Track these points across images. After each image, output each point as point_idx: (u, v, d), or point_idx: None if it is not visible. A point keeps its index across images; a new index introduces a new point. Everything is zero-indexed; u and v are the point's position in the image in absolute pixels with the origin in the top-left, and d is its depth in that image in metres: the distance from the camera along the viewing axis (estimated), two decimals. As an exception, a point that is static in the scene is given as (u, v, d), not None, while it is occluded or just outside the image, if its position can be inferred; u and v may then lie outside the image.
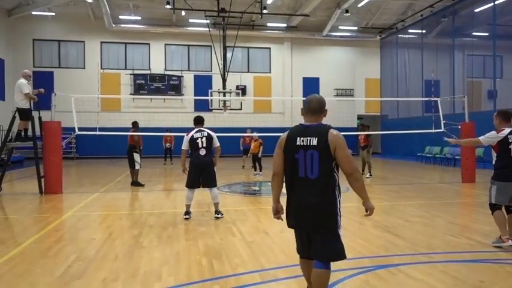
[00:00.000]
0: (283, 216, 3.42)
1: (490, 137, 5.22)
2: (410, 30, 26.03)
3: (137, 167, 11.55)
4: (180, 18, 25.17)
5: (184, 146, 7.33)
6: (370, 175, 13.63)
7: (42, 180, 10.09)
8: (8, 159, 10.76)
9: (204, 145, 7.22)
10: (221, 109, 22.43)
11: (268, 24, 26.37)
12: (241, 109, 23.20)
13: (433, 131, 13.11)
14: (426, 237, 5.95)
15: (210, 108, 23.47)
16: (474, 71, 22.33)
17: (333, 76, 28.15)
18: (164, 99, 25.28)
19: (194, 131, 7.37)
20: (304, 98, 3.60)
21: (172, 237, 6.01)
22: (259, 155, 14.31)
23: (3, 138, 10.79)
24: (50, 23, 24.48)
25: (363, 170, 14.26)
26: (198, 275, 4.36)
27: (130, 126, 12.01)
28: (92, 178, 14.24)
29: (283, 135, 3.39)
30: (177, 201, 9.14)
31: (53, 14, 23.98)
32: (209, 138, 7.30)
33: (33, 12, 23.33)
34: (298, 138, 3.25)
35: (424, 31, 24.84)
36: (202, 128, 7.43)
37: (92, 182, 12.79)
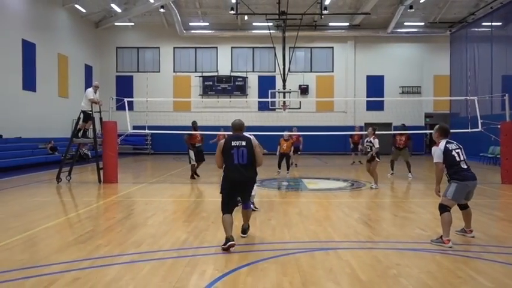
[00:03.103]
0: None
1: (439, 154, 5.55)
2: (484, 23, 24.58)
3: (192, 162, 12.94)
4: (245, 22, 26.53)
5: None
6: (411, 175, 13.44)
7: (101, 171, 11.91)
8: (76, 153, 12.82)
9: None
10: (281, 108, 23.48)
11: (331, 24, 26.65)
12: (299, 108, 23.91)
13: (469, 130, 12.78)
14: (395, 229, 6.42)
15: (270, 107, 24.57)
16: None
17: (398, 74, 27.57)
18: (230, 100, 26.81)
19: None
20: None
21: (175, 219, 7.18)
22: (291, 153, 14.64)
23: (71, 135, 12.81)
24: (130, 31, 27.32)
25: (392, 169, 13.94)
26: (169, 245, 5.43)
27: (201, 126, 13.47)
28: (152, 171, 16.08)
29: (222, 141, 5.67)
30: (205, 192, 10.33)
31: (133, 23, 26.75)
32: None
33: (116, 23, 26.28)
34: (233, 141, 5.56)
35: (500, 23, 23.34)
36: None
37: (149, 175, 14.56)
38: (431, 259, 4.90)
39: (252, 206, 7.76)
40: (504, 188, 11.17)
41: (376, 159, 10.91)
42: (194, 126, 13.38)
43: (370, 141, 10.96)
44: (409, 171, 13.63)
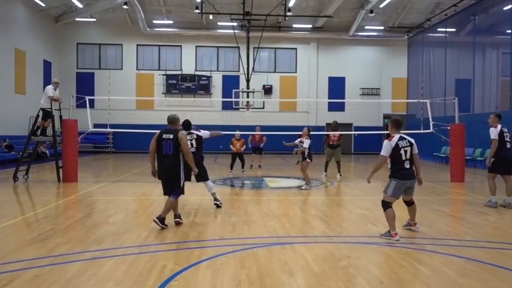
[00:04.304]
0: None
1: (387, 148, 5.84)
2: (439, 29, 25.78)
3: None
4: (210, 21, 26.57)
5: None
6: (340, 175, 13.35)
7: (61, 170, 11.71)
8: (34, 152, 12.54)
9: (194, 145, 8.11)
10: (244, 108, 23.72)
11: (294, 26, 27.16)
12: (263, 108, 24.28)
13: (422, 131, 13.47)
14: (348, 224, 6.80)
15: (234, 107, 24.78)
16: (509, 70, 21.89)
17: (359, 75, 28.42)
18: (194, 99, 26.76)
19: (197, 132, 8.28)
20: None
21: (137, 217, 7.27)
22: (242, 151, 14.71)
23: (29, 132, 12.52)
24: (92, 27, 26.76)
25: (326, 169, 13.67)
26: (131, 242, 5.53)
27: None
28: (113, 170, 15.89)
29: (157, 133, 6.55)
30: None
31: (94, 19, 26.22)
32: (199, 138, 8.23)
33: (77, 19, 25.63)
34: (164, 134, 6.47)
35: (453, 29, 24.57)
36: (192, 131, 8.24)
37: (110, 173, 14.42)
38: (379, 251, 5.27)
39: (217, 202, 8.03)
40: (453, 185, 11.88)
41: (307, 159, 10.81)
42: (184, 125, 13.24)
43: (302, 141, 10.90)
44: (339, 171, 13.45)
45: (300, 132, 11.33)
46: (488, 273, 4.42)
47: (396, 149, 5.79)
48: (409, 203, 6.16)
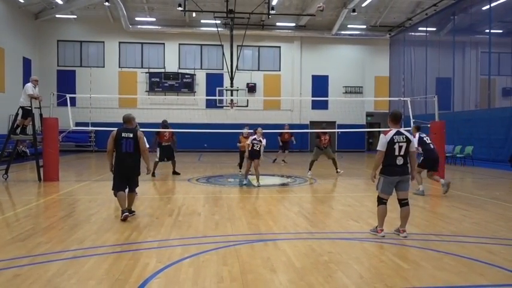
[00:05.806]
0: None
1: (382, 142, 5.73)
2: (420, 28, 26.17)
3: (155, 159, 12.84)
4: (193, 19, 26.47)
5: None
6: (338, 171, 13.54)
7: (41, 169, 11.54)
8: (14, 151, 12.33)
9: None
10: (228, 106, 23.66)
11: (278, 24, 27.25)
12: (247, 106, 24.27)
13: (403, 129, 13.63)
14: (331, 220, 6.88)
15: (217, 105, 24.70)
16: (488, 69, 22.38)
17: (342, 74, 28.67)
18: (177, 98, 26.62)
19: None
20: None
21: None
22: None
23: (9, 131, 12.30)
24: (73, 24, 26.37)
25: (310, 168, 13.55)
26: (113, 241, 5.50)
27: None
28: (95, 168, 15.72)
29: (114, 131, 6.85)
30: (149, 190, 10.35)
31: (75, 16, 25.84)
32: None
33: (57, 15, 25.24)
34: (123, 133, 6.78)
35: (434, 29, 24.97)
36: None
37: (91, 172, 14.27)
38: (359, 247, 5.36)
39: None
40: (432, 182, 12.05)
41: (261, 157, 11.15)
42: (165, 124, 13.32)
43: (260, 140, 11.07)
44: (337, 168, 13.57)
45: (284, 130, 11.30)
46: (464, 267, 4.54)
47: (390, 144, 5.63)
48: (403, 203, 5.84)
